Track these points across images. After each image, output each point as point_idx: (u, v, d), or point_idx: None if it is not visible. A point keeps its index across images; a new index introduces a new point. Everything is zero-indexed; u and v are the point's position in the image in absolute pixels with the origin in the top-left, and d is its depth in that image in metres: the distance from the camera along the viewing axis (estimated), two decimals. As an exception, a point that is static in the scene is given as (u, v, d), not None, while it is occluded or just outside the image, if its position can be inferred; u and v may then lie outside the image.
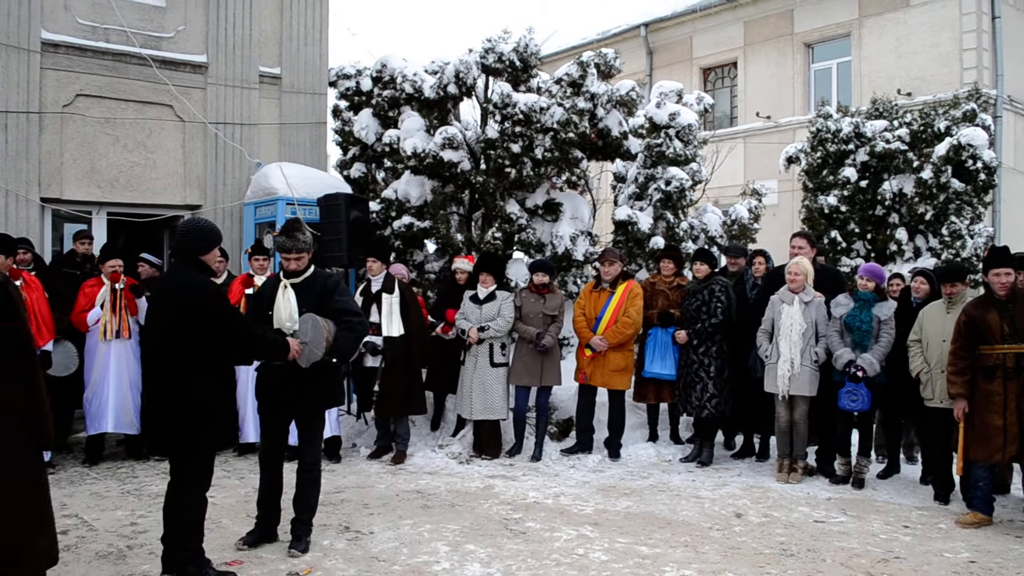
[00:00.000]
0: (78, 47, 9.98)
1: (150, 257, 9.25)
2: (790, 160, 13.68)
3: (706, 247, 10.33)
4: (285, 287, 5.58)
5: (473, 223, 10.45)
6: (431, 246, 10.70)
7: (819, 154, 12.86)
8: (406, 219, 10.11)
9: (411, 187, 10.20)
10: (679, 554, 5.64)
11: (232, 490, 7.14)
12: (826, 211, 12.48)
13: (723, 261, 9.54)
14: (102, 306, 8.13)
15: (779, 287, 7.87)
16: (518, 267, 10.02)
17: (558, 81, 9.96)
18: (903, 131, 12.31)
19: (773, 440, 8.17)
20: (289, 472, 5.78)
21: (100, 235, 10.17)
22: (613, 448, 8.55)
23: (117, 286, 8.20)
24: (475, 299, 8.47)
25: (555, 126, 9.54)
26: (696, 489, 7.41)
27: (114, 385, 8.16)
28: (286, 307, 5.51)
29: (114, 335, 8.15)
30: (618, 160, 11.26)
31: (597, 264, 9.01)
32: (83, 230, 9.65)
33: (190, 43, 10.76)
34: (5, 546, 3.56)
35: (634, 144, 10.72)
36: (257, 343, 5.16)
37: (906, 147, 12.14)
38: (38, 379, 3.81)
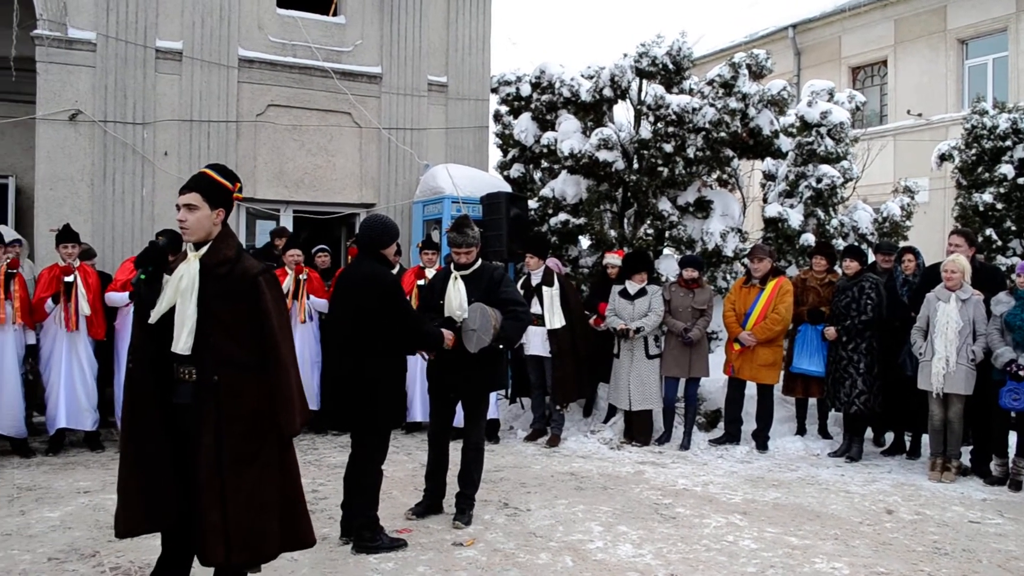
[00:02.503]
0: (269, 62, 10.47)
1: (327, 247, 9.65)
2: (943, 157, 12.84)
3: (856, 244, 9.84)
4: (455, 279, 5.67)
5: (626, 220, 10.33)
6: (585, 242, 10.66)
7: (974, 151, 12.02)
8: (562, 216, 10.12)
9: (567, 186, 10.19)
10: (829, 546, 5.39)
11: (401, 465, 7.32)
12: (981, 208, 11.65)
13: (873, 258, 9.08)
14: (286, 294, 8.51)
15: (934, 284, 7.40)
16: (668, 262, 9.85)
17: (710, 82, 9.73)
18: (1065, 127, 11.37)
19: (925, 438, 7.69)
20: (453, 450, 5.88)
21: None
22: (761, 440, 8.27)
23: (301, 277, 8.56)
24: (625, 294, 8.36)
25: (707, 126, 9.32)
26: (845, 484, 7.07)
27: (294, 365, 8.50)
28: (456, 297, 5.60)
29: (296, 320, 8.51)
30: (768, 158, 10.89)
31: (747, 260, 8.75)
32: (283, 228, 10.11)
33: (367, 56, 11.09)
34: (238, 533, 3.55)
35: (785, 143, 10.33)
36: (420, 333, 5.27)
37: (1068, 143, 11.22)
38: (280, 372, 3.60)
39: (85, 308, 7.57)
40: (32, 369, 7.80)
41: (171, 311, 3.60)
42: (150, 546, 3.92)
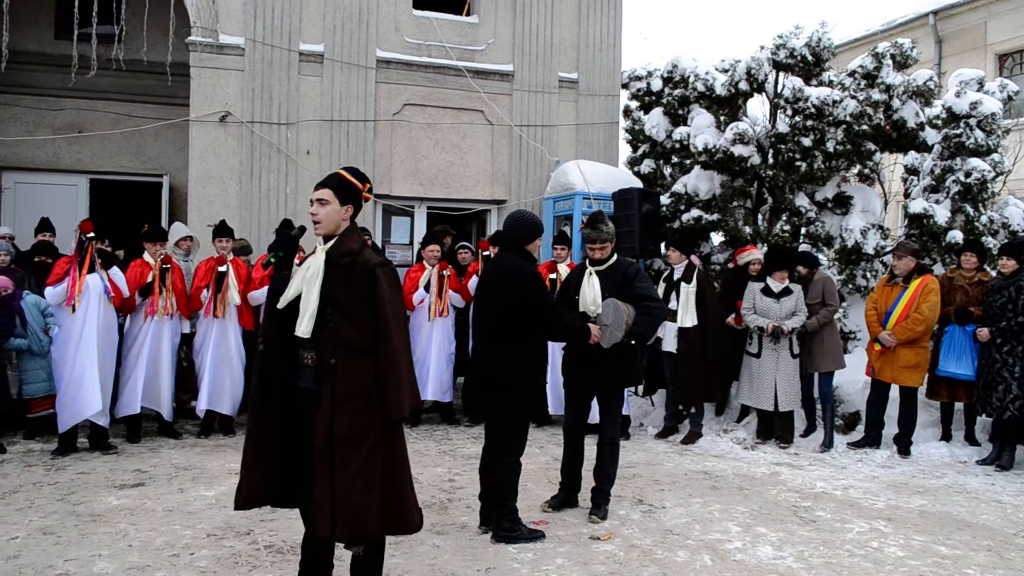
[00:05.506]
0: (405, 63, 10.74)
1: (470, 244, 9.81)
2: (1103, 150, 11.98)
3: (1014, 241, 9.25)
4: (590, 274, 5.69)
5: (760, 216, 10.09)
6: (717, 238, 10.47)
7: None
8: (694, 212, 9.98)
9: (700, 181, 10.05)
10: (982, 558, 5.12)
11: (534, 458, 7.35)
12: None
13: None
14: (426, 287, 8.71)
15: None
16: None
17: (852, 73, 9.36)
18: None
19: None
20: (587, 446, 5.88)
21: (420, 226, 10.92)
22: (903, 445, 7.90)
23: (444, 273, 8.74)
24: (769, 292, 8.14)
25: (848, 119, 8.99)
26: (996, 493, 6.69)
27: (434, 359, 8.70)
28: (591, 292, 5.62)
29: (436, 314, 8.71)
30: (911, 152, 10.40)
31: (890, 258, 8.39)
32: (444, 227, 10.40)
33: (499, 54, 11.22)
34: (343, 509, 3.64)
35: (930, 135, 9.85)
36: (565, 328, 5.31)
37: None
38: (390, 356, 3.72)
39: (235, 298, 7.99)
40: (186, 356, 8.27)
41: (298, 300, 3.82)
42: (301, 527, 4.09)
